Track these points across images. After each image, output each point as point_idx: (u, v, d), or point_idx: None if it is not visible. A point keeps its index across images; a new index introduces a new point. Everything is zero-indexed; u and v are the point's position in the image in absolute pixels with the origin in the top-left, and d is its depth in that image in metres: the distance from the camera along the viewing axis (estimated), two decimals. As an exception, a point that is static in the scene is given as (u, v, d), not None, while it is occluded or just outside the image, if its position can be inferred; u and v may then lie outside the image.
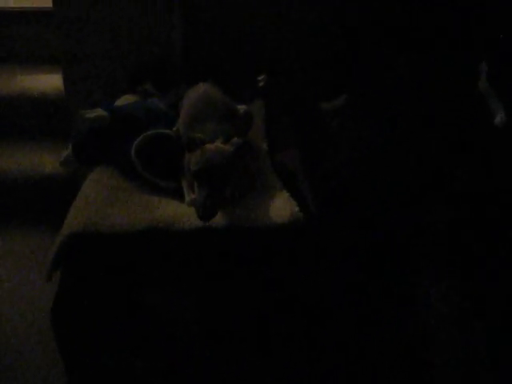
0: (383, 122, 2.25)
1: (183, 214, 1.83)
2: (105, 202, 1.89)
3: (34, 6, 3.60)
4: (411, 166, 2.08)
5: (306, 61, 2.87)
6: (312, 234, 1.87)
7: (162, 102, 2.59)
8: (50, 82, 3.35)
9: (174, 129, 2.24)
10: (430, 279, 1.95)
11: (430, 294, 1.93)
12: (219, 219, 1.77)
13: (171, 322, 1.81)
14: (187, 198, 1.96)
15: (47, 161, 3.07)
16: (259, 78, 2.88)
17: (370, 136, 2.19)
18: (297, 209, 1.89)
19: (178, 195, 2.03)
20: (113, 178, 2.05)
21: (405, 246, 1.99)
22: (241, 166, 1.91)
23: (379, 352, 1.91)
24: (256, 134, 2.39)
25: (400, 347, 1.90)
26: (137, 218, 1.80)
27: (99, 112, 2.15)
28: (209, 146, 1.81)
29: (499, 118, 2.10)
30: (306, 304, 1.89)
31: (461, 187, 2.05)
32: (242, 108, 2.26)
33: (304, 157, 2.32)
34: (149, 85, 2.72)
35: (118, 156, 2.11)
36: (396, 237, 1.97)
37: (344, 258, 1.95)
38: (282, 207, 1.89)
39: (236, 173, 1.86)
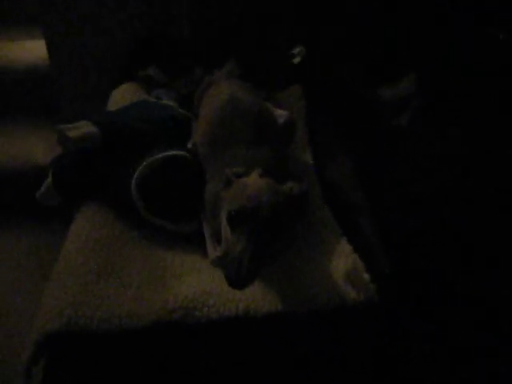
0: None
1: (209, 292, 1.30)
2: (93, 277, 1.34)
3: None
4: None
5: (354, 29, 2.11)
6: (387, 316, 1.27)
7: (171, 92, 2.04)
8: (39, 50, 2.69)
9: (190, 145, 1.68)
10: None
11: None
12: (258, 297, 1.26)
13: None
14: (211, 255, 1.41)
15: (39, 149, 2.53)
16: (294, 52, 2.16)
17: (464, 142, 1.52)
18: (368, 278, 1.33)
19: (198, 243, 1.49)
20: (105, 226, 1.51)
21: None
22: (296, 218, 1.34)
23: None
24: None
25: None
26: (140, 305, 1.27)
27: (86, 127, 1.60)
28: (254, 180, 1.28)
29: None
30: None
31: None
32: (281, 114, 1.69)
33: (361, 176, 1.63)
34: (153, 68, 2.02)
35: (113, 189, 1.57)
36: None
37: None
38: (347, 274, 1.35)
39: (290, 224, 1.30)
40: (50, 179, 1.59)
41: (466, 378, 1.40)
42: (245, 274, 1.12)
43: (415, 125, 1.76)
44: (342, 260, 1.38)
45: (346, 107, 1.98)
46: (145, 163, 1.50)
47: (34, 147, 2.62)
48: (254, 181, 1.28)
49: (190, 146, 1.65)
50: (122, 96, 2.03)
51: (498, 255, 1.45)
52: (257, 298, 1.27)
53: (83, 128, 1.57)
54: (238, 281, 1.12)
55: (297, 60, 2.17)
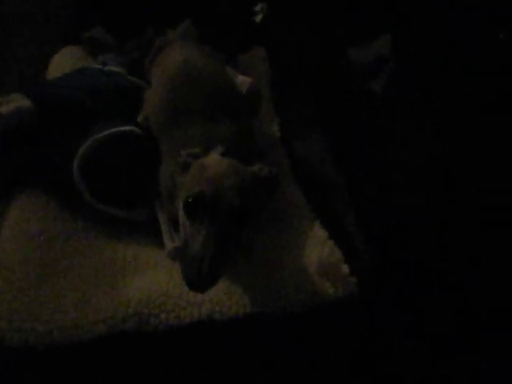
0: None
1: (167, 294, 1.14)
2: (31, 280, 1.16)
3: None
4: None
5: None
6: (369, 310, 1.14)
7: (119, 57, 1.80)
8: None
9: (140, 118, 1.47)
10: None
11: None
12: (223, 298, 1.10)
13: None
14: (167, 246, 1.25)
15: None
16: (256, 9, 1.94)
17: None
18: (347, 270, 1.18)
19: (154, 234, 1.32)
20: (45, 218, 1.31)
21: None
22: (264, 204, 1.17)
23: None
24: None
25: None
26: (86, 313, 1.10)
27: (18, 101, 1.36)
28: (214, 161, 1.10)
29: None
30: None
31: None
32: (244, 81, 1.50)
33: (334, 149, 1.45)
34: (99, 29, 1.76)
35: (52, 173, 1.37)
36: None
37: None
38: (323, 265, 1.19)
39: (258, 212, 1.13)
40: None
41: (446, 373, 1.27)
42: (206, 274, 0.94)
43: (389, 91, 1.56)
44: (317, 249, 1.22)
45: (314, 71, 1.78)
46: (88, 141, 1.31)
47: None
48: (214, 161, 1.10)
49: (140, 119, 1.45)
50: (63, 62, 1.79)
51: (480, 244, 1.31)
52: (221, 299, 1.12)
53: (15, 102, 1.35)
54: (198, 283, 0.95)
55: (259, 18, 1.94)
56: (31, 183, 1.34)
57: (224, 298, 1.11)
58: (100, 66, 1.71)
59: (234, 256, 1.09)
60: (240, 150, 1.18)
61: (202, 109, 1.30)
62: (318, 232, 1.26)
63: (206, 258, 0.95)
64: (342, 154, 1.54)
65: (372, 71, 1.66)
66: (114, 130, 1.34)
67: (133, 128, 1.37)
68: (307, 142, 1.56)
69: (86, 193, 1.30)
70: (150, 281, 1.15)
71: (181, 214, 1.06)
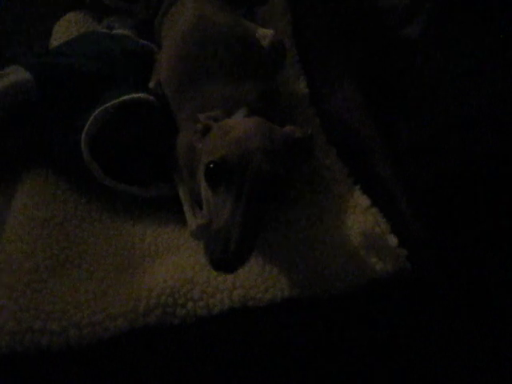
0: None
1: (192, 280, 1.01)
2: (43, 272, 1.04)
3: None
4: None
5: None
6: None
7: (127, 20, 1.65)
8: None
9: (152, 84, 1.33)
10: None
11: None
12: (257, 281, 0.98)
13: None
14: (191, 225, 1.12)
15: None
16: None
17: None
18: (395, 241, 1.05)
19: (174, 212, 1.19)
20: (54, 200, 1.19)
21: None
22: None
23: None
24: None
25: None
26: (104, 308, 0.97)
27: (16, 74, 1.22)
28: (239, 121, 0.96)
29: None
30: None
31: None
32: (265, 34, 1.32)
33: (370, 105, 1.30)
34: None
35: (59, 152, 1.24)
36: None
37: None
38: (367, 237, 1.05)
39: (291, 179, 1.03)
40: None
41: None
42: (233, 252, 0.80)
43: (429, 36, 1.36)
44: (359, 219, 1.09)
45: (342, 19, 1.59)
46: (96, 113, 1.17)
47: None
48: (239, 122, 0.96)
49: (151, 85, 1.31)
50: (66, 29, 1.64)
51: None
52: (255, 282, 1.00)
53: (12, 75, 1.21)
54: (224, 263, 0.80)
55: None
56: (37, 165, 1.23)
57: (258, 281, 0.99)
58: (106, 30, 1.57)
59: (264, 230, 0.93)
60: (266, 112, 1.04)
61: (221, 68, 1.16)
62: (359, 199, 1.13)
63: (233, 233, 0.81)
64: (379, 110, 1.34)
65: (407, 15, 1.45)
66: (124, 97, 1.20)
67: (145, 95, 1.23)
68: (339, 98, 1.40)
69: (98, 170, 1.17)
70: (173, 266, 1.03)
71: (203, 185, 0.93)
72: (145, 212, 1.19)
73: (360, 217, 1.08)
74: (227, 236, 0.81)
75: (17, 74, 1.20)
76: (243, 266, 0.83)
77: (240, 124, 0.93)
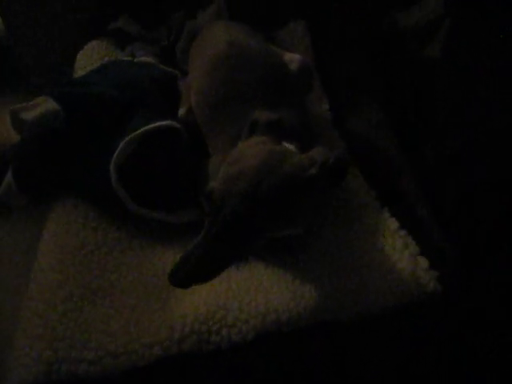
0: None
1: (225, 306, 1.02)
2: (76, 301, 1.06)
3: None
4: None
5: None
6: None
7: (149, 46, 1.69)
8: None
9: (182, 111, 1.36)
10: None
11: None
12: (290, 305, 0.99)
13: None
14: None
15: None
16: None
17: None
18: (425, 263, 1.06)
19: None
20: (84, 229, 1.21)
21: None
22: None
23: None
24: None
25: None
26: (138, 336, 0.99)
27: (45, 104, 1.26)
28: (250, 151, 0.93)
29: None
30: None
31: None
32: (292, 58, 1.34)
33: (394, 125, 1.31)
34: (125, 18, 1.67)
35: (88, 180, 1.26)
36: None
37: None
38: (396, 260, 1.07)
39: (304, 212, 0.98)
40: (9, 174, 1.27)
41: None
42: (184, 275, 0.86)
43: (450, 52, 1.37)
44: (388, 242, 1.10)
45: (363, 40, 1.60)
46: (124, 141, 1.19)
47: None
48: (250, 152, 0.93)
49: (181, 112, 1.33)
50: (90, 58, 1.68)
51: None
52: (288, 306, 1.00)
53: (41, 106, 1.25)
54: (174, 278, 0.87)
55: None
56: (67, 194, 1.25)
57: (291, 306, 0.99)
58: (129, 58, 1.60)
59: (231, 264, 0.94)
60: (300, 137, 1.05)
61: (255, 93, 1.16)
62: (388, 222, 1.13)
63: (191, 259, 0.85)
64: (404, 130, 1.35)
65: (428, 33, 1.46)
66: (151, 125, 1.22)
67: (172, 122, 1.24)
68: (363, 119, 1.41)
69: (127, 198, 1.19)
70: (206, 293, 1.04)
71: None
72: (174, 238, 1.19)
73: (389, 240, 1.09)
74: (185, 258, 0.86)
75: (46, 105, 1.23)
76: (188, 287, 0.88)
77: (246, 156, 0.92)
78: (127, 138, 1.19)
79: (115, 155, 1.18)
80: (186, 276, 0.85)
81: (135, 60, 1.56)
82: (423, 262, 1.04)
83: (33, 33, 1.90)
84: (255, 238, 0.90)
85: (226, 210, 0.85)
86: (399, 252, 1.06)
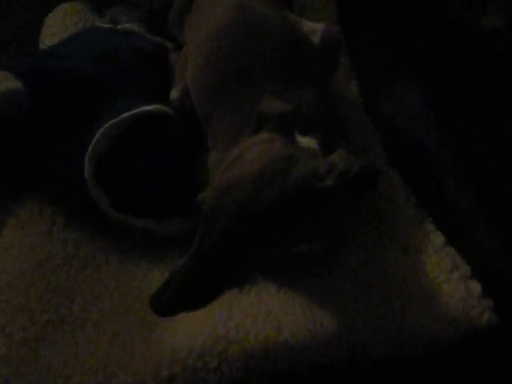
0: None
1: (225, 337, 1.02)
2: (42, 327, 1.09)
3: None
4: None
5: None
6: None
7: (134, 12, 1.70)
8: None
9: (176, 94, 1.37)
10: None
11: None
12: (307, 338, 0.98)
13: None
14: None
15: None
16: None
17: None
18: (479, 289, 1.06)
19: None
20: (52, 238, 1.23)
21: None
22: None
23: None
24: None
25: None
26: (122, 371, 1.01)
27: (5, 82, 1.26)
28: (253, 152, 0.93)
29: None
30: None
31: None
32: (314, 28, 1.33)
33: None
34: None
35: (57, 177, 1.27)
36: None
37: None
38: (442, 283, 1.08)
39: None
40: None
41: None
42: (167, 300, 0.86)
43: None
44: (432, 259, 1.11)
45: (399, 8, 1.60)
46: (102, 129, 1.20)
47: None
48: (254, 152, 0.93)
49: (174, 94, 1.35)
50: (60, 24, 1.69)
51: None
52: (306, 340, 1.01)
53: (1, 84, 1.24)
54: (156, 304, 0.88)
55: None
56: (30, 194, 1.27)
57: (308, 339, 1.00)
58: (109, 25, 1.62)
59: (226, 289, 0.95)
60: (321, 125, 1.05)
61: (266, 71, 1.16)
62: (431, 236, 1.15)
63: (174, 282, 0.86)
64: (450, 120, 1.36)
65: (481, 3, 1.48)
66: (135, 110, 1.22)
67: (161, 106, 1.25)
68: (399, 108, 1.44)
69: (104, 200, 1.20)
70: (202, 319, 1.05)
71: None
72: (161, 252, 1.21)
73: (433, 258, 1.10)
74: (167, 283, 0.86)
75: (6, 83, 1.24)
76: (172, 315, 0.90)
77: (245, 159, 0.93)
78: (106, 126, 1.20)
79: (91, 147, 1.19)
80: (169, 302, 0.85)
81: (118, 27, 1.59)
82: (475, 287, 1.05)
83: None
84: (253, 259, 0.90)
85: (216, 227, 0.85)
86: (445, 274, 1.07)
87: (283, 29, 1.23)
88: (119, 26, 1.60)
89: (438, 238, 1.13)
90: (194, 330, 1.03)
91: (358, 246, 1.13)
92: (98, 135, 1.20)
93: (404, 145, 1.34)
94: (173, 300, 0.85)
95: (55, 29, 1.67)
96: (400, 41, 1.55)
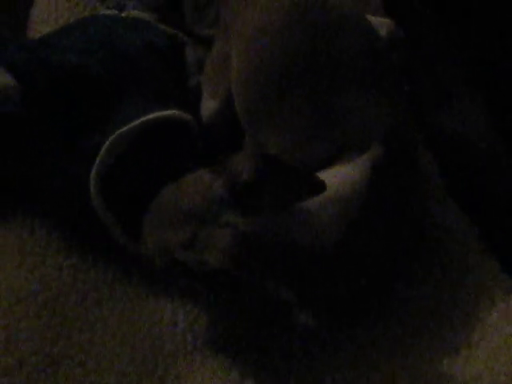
0: None
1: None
2: (29, 373, 1.10)
3: None
4: None
5: None
6: None
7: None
8: None
9: (212, 106, 1.39)
10: None
11: None
12: None
13: None
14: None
15: None
16: None
17: None
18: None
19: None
20: (43, 265, 1.24)
21: None
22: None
23: None
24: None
25: None
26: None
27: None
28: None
29: None
30: None
31: None
32: (380, 22, 1.36)
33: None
34: None
35: (54, 190, 1.29)
36: None
37: None
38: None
39: None
40: None
41: None
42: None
43: None
44: (501, 307, 1.11)
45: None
46: (110, 138, 1.20)
47: None
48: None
49: (213, 106, 1.36)
50: (54, 10, 1.67)
51: None
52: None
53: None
54: None
55: None
56: (20, 212, 1.28)
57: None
58: (115, 11, 1.60)
59: None
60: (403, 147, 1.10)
61: (347, 72, 1.16)
62: (498, 278, 1.15)
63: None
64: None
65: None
66: (147, 117, 1.22)
67: (178, 112, 1.26)
68: (456, 115, 1.43)
69: (114, 227, 1.21)
70: (222, 367, 1.10)
71: None
72: (174, 284, 1.21)
73: (501, 306, 1.10)
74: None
75: (-3, 77, 1.23)
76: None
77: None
78: (112, 137, 1.20)
79: (98, 159, 1.19)
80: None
81: (124, 15, 1.58)
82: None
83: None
84: None
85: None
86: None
87: (355, 21, 1.25)
88: (126, 13, 1.58)
89: (506, 282, 1.15)
90: (212, 380, 1.08)
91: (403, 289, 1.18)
92: (106, 145, 1.20)
93: (461, 164, 1.34)
94: None
95: (47, 15, 1.68)
96: (457, 44, 1.55)
